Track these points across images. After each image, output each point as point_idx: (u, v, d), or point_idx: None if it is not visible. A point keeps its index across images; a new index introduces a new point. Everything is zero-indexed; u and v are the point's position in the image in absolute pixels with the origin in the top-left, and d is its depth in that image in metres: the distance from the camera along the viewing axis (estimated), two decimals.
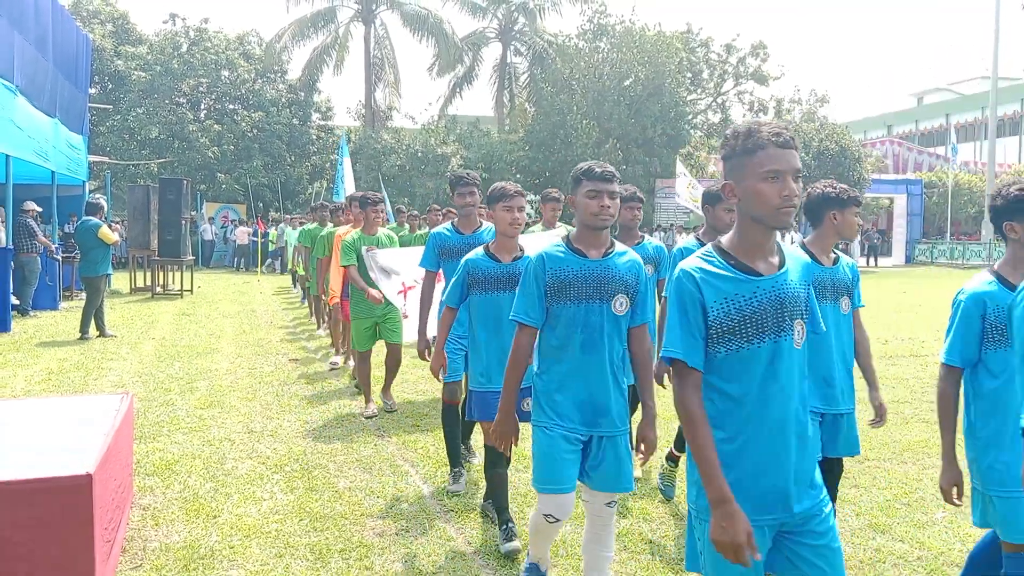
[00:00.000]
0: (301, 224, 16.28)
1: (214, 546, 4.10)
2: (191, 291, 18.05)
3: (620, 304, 3.24)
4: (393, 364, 7.18)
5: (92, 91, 25.71)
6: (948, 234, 35.82)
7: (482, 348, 4.18)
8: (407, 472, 5.39)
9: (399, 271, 6.46)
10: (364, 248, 6.65)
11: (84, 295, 11.57)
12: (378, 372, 7.49)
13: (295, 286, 18.91)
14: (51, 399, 6.34)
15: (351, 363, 8.80)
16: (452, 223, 5.31)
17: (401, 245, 9.01)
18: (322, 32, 35.82)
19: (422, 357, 4.97)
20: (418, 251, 5.69)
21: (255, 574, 3.80)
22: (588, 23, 35.67)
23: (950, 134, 37.27)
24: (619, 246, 3.35)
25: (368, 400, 7.08)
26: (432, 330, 5.08)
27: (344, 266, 7.08)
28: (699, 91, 39.55)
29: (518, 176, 33.74)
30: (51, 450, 3.63)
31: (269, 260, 27.34)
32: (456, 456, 5.09)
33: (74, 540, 3.21)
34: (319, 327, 12.03)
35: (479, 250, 4.20)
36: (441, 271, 5.21)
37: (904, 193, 36.72)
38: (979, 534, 4.24)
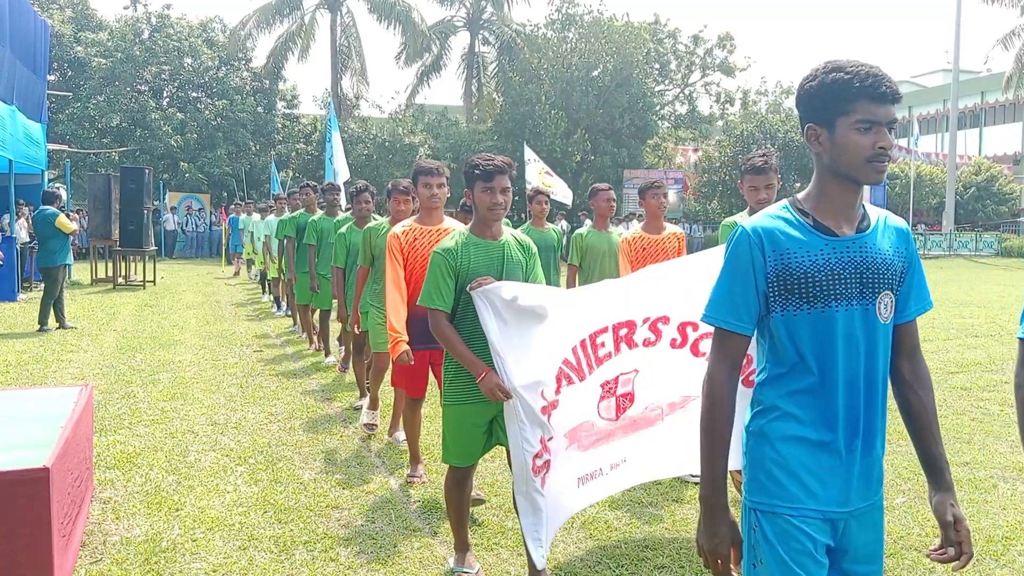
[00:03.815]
0: (276, 212, 12.23)
1: (176, 539, 4.05)
2: (154, 282, 17.79)
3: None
4: None
5: (51, 78, 25.15)
6: (910, 225, 36.41)
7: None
8: (373, 463, 5.37)
9: (551, 348, 3.34)
10: (469, 286, 3.36)
11: (43, 286, 11.34)
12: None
13: (265, 293, 15.19)
14: (8, 391, 6.21)
15: (363, 410, 6.17)
16: (790, 204, 2.01)
17: (542, 251, 5.60)
18: (287, 19, 35.34)
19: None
20: (608, 294, 3.33)
21: (218, 567, 3.76)
22: (556, 13, 35.69)
23: (912, 126, 37.81)
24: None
25: (465, 547, 3.83)
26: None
27: (433, 308, 3.53)
28: (666, 82, 39.69)
29: None
30: (7, 443, 3.56)
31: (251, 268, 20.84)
32: None
33: (31, 534, 3.16)
34: (326, 356, 8.91)
35: None
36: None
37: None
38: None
